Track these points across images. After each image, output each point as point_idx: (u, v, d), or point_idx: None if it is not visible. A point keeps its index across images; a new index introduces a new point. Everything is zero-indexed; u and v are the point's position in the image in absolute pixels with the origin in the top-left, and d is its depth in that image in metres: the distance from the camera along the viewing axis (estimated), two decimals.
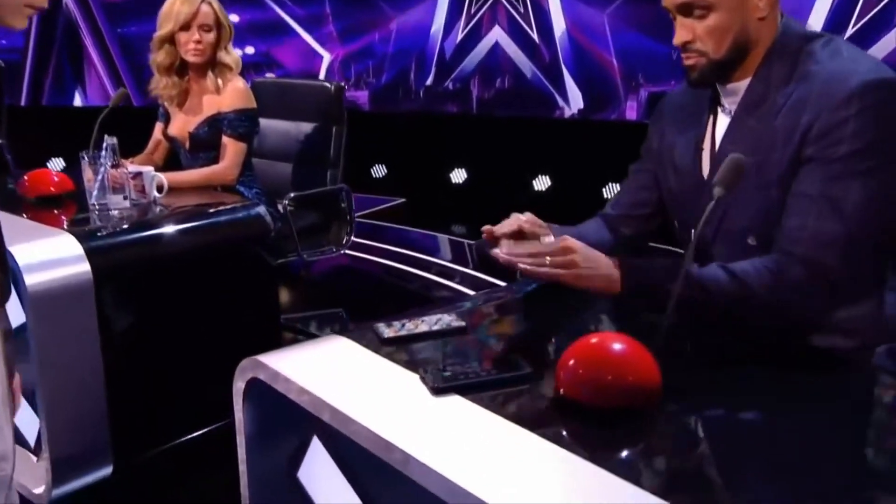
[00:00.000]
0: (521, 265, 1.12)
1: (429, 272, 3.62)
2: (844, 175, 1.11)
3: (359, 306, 3.12)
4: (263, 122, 2.60)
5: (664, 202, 1.41)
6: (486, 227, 1.28)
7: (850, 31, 3.83)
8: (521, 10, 4.86)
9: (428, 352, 1.09)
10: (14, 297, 1.71)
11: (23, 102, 5.94)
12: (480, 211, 4.98)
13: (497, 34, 4.97)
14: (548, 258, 1.13)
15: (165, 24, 2.39)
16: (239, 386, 1.08)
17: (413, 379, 0.99)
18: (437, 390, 0.95)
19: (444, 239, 4.30)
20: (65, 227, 1.91)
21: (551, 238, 1.25)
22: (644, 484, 0.77)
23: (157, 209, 2.09)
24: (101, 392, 1.76)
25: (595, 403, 0.90)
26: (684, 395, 0.95)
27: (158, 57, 2.44)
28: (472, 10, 5.01)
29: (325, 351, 1.11)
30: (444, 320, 1.16)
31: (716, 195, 1.02)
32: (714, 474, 0.84)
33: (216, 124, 2.43)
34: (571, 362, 0.93)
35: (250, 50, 5.37)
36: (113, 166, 2.00)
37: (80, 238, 1.76)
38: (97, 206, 2.03)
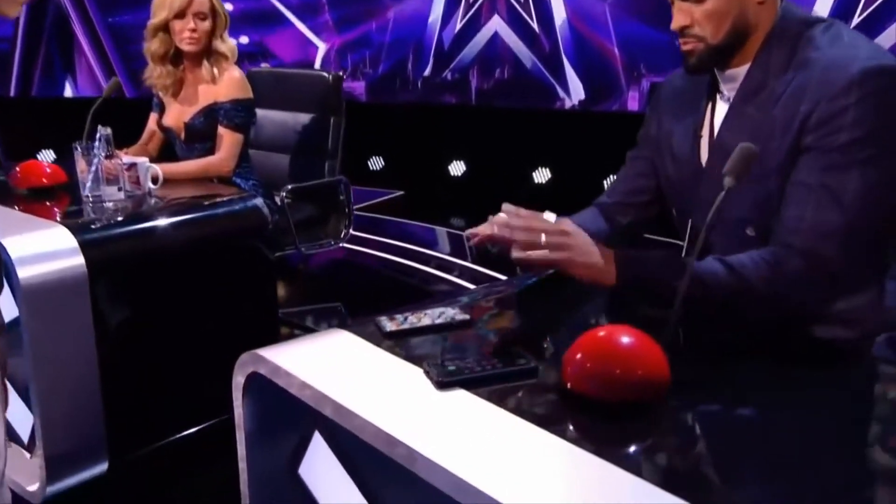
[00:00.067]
0: (517, 236, 1.13)
1: (427, 266, 3.62)
2: (844, 164, 1.11)
3: (357, 300, 3.12)
4: (260, 112, 2.59)
5: (662, 190, 1.40)
6: (470, 232, 1.25)
7: (855, 20, 3.82)
8: None
9: (431, 346, 1.08)
10: (7, 290, 1.70)
11: (12, 93, 5.91)
12: (479, 204, 4.94)
13: (496, 23, 4.95)
14: (543, 235, 1.12)
15: (159, 11, 2.38)
16: (238, 380, 1.07)
17: (416, 373, 0.99)
18: (442, 384, 0.95)
19: (442, 232, 4.30)
20: (58, 219, 1.89)
21: (553, 216, 1.25)
22: (653, 479, 0.77)
23: (153, 201, 2.08)
24: (95, 387, 1.75)
25: (603, 397, 0.90)
26: (693, 389, 0.95)
27: (152, 45, 2.43)
28: None
29: (326, 345, 1.10)
30: (448, 314, 1.15)
31: (726, 185, 1.01)
32: (724, 469, 0.83)
33: (212, 114, 2.42)
34: (579, 356, 0.93)
35: (244, 40, 5.34)
36: (107, 157, 1.99)
37: (74, 230, 1.75)
38: (91, 198, 2.02)
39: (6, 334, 1.70)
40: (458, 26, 5.06)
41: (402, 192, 5.02)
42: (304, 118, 2.75)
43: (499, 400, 0.92)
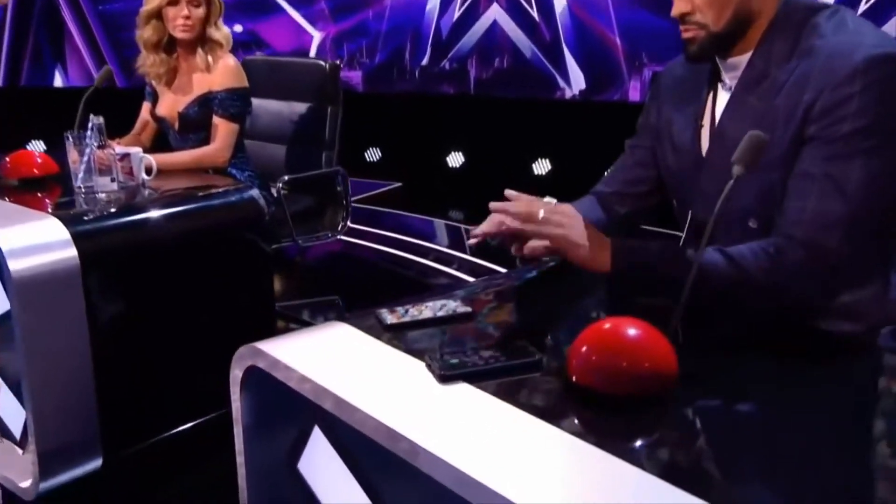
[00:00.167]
0: (517, 208, 1.16)
1: (426, 258, 3.62)
2: (847, 154, 1.11)
3: (355, 294, 3.12)
4: (255, 102, 2.58)
5: (663, 180, 1.40)
6: (473, 235, 1.26)
7: (862, 7, 3.81)
8: None
9: (433, 338, 1.08)
10: None
11: (0, 83, 5.88)
12: (478, 195, 4.92)
13: (495, 12, 4.94)
14: (542, 211, 1.15)
15: None
16: (236, 374, 1.07)
17: (418, 366, 0.99)
18: (444, 378, 0.95)
19: (440, 224, 4.30)
20: (49, 210, 1.89)
21: (553, 201, 1.25)
22: (660, 473, 0.77)
23: (146, 192, 2.07)
24: (89, 382, 1.75)
25: (609, 391, 0.90)
26: (699, 382, 0.95)
27: (145, 33, 2.42)
28: None
29: (326, 338, 1.10)
30: (449, 306, 1.15)
31: (735, 174, 1.00)
32: (731, 464, 0.83)
33: (207, 104, 2.41)
34: (584, 348, 0.92)
35: (238, 28, 5.31)
36: (99, 147, 1.98)
37: (66, 222, 1.74)
38: (83, 189, 2.01)
39: None
40: (457, 14, 5.04)
41: (399, 184, 5.01)
42: (300, 108, 2.74)
43: (502, 393, 0.92)
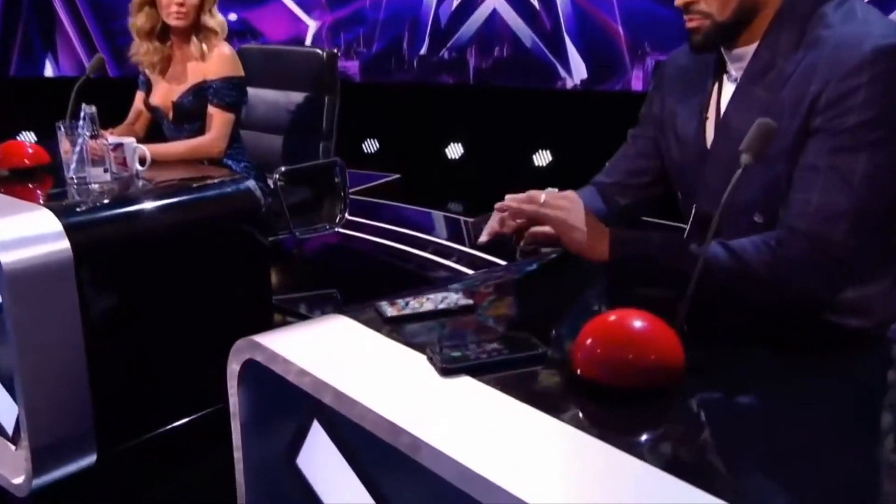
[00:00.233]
0: (516, 198, 1.18)
1: (425, 251, 3.62)
2: (853, 146, 1.10)
3: (353, 287, 3.11)
4: (251, 91, 2.57)
5: (667, 171, 1.39)
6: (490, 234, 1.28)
7: None
8: None
9: (434, 331, 1.08)
10: None
11: None
12: (477, 187, 4.93)
13: (495, 0, 4.92)
14: (543, 195, 1.17)
15: None
16: (234, 368, 1.07)
17: (420, 359, 0.98)
18: (446, 371, 0.94)
19: (439, 216, 4.29)
20: (41, 201, 1.88)
21: (555, 190, 1.25)
22: (666, 467, 0.77)
23: (140, 183, 2.06)
24: (83, 376, 1.74)
25: (614, 384, 0.89)
26: (707, 375, 0.95)
27: (138, 21, 2.40)
28: None
29: (325, 331, 1.09)
30: (451, 298, 1.15)
31: (743, 163, 1.00)
32: (738, 457, 0.83)
33: (201, 93, 2.40)
34: (589, 341, 0.92)
35: (232, 17, 5.29)
36: (92, 137, 1.97)
37: (59, 213, 1.73)
38: (75, 180, 2.00)
39: None
40: (456, 2, 5.02)
41: (397, 176, 5.01)
42: (297, 97, 2.72)
43: (505, 387, 0.91)
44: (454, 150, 5.31)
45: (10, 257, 1.62)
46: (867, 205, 1.11)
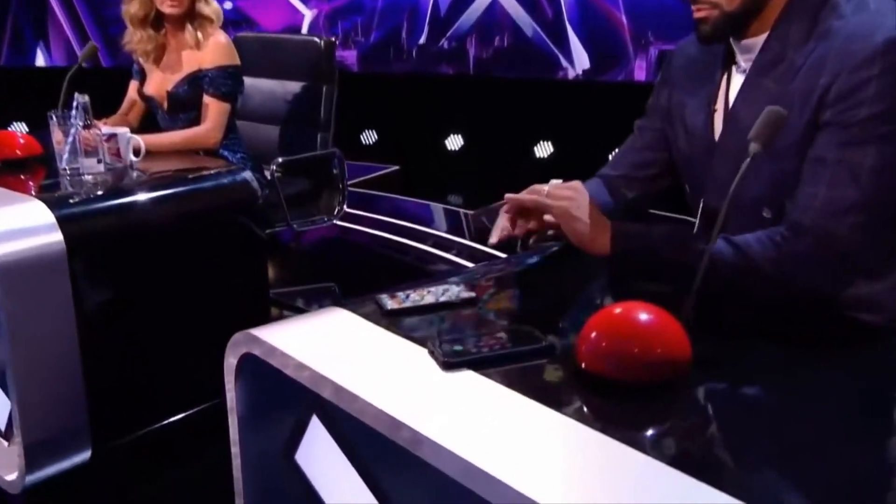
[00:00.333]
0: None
1: (424, 244, 3.61)
2: (863, 140, 1.09)
3: (351, 280, 3.11)
4: (247, 81, 2.56)
5: (674, 164, 1.39)
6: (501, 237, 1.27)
7: None
8: None
9: (435, 324, 1.07)
10: None
11: None
12: (478, 179, 4.92)
13: None
14: (546, 187, 1.17)
15: None
16: (231, 362, 1.06)
17: (421, 353, 0.98)
18: (448, 365, 0.94)
19: (439, 209, 4.29)
20: (33, 193, 1.88)
21: (559, 182, 1.25)
22: (672, 462, 0.76)
23: (134, 174, 2.06)
24: (77, 371, 1.74)
25: (620, 378, 0.89)
26: (714, 369, 0.94)
27: (132, 8, 2.39)
28: None
29: (324, 324, 1.09)
30: (452, 291, 1.14)
31: (751, 151, 0.99)
32: (748, 452, 0.83)
33: (197, 82, 2.39)
34: (594, 334, 0.91)
35: (227, 5, 5.26)
36: (85, 127, 1.96)
37: (51, 205, 1.73)
38: (68, 171, 1.99)
39: None
40: None
41: (396, 168, 5.00)
42: (294, 87, 2.72)
43: (508, 381, 0.91)
44: (454, 142, 5.30)
45: (1, 250, 1.62)
46: (875, 199, 1.10)
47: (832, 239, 1.11)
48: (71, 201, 1.83)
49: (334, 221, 2.71)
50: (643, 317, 0.90)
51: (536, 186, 1.22)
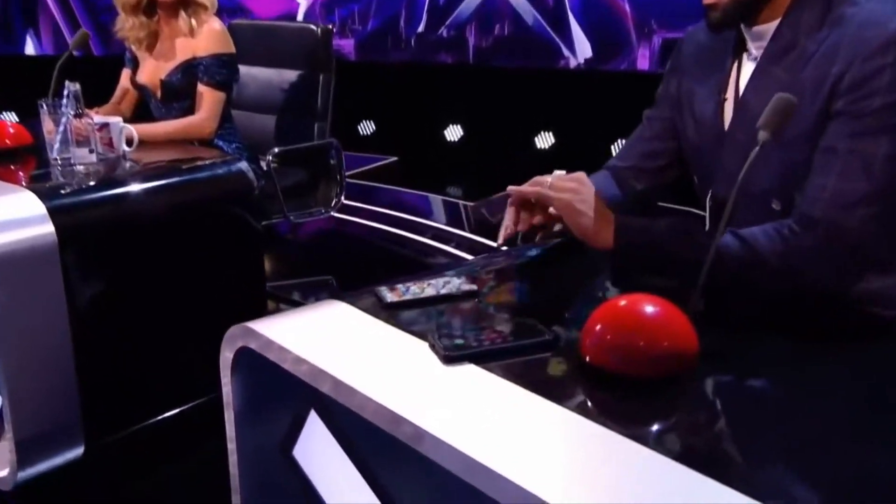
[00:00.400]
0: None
1: (423, 236, 3.61)
2: (876, 130, 1.09)
3: (349, 273, 3.12)
4: (242, 69, 2.55)
5: (683, 154, 1.38)
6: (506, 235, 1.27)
7: None
8: None
9: (436, 317, 1.07)
10: None
11: None
12: (477, 170, 4.91)
13: None
14: (549, 178, 1.16)
15: None
16: (227, 356, 1.06)
17: (421, 346, 0.97)
18: (449, 359, 0.93)
19: (438, 200, 4.29)
20: (24, 183, 1.87)
21: (562, 173, 1.25)
22: (679, 457, 0.76)
23: (127, 164, 2.05)
24: (69, 365, 1.74)
25: (625, 372, 0.89)
26: (722, 363, 0.94)
27: None
28: None
29: (322, 317, 1.08)
30: (453, 283, 1.14)
31: (760, 140, 0.99)
32: (756, 447, 0.83)
33: (191, 71, 2.38)
34: (598, 327, 0.91)
35: None
36: (76, 116, 1.95)
37: (42, 195, 1.72)
38: (59, 161, 1.99)
39: None
40: None
41: (395, 159, 4.99)
42: (290, 75, 2.71)
43: (511, 375, 0.91)
44: (453, 132, 5.29)
45: None
46: (887, 191, 1.10)
47: (842, 231, 1.10)
48: (62, 192, 1.83)
49: (332, 213, 2.71)
50: (649, 309, 0.90)
51: (539, 178, 1.20)
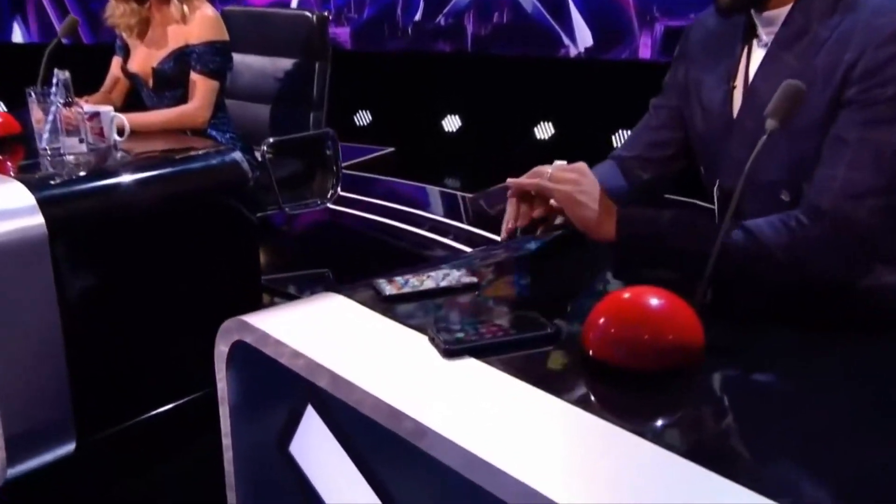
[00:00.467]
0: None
1: (421, 228, 3.61)
2: (888, 119, 1.08)
3: (346, 266, 3.12)
4: (236, 57, 2.54)
5: (690, 143, 1.37)
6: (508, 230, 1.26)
7: None
8: None
9: (436, 311, 1.07)
10: None
11: None
12: (476, 161, 4.90)
13: None
14: (550, 168, 1.15)
15: None
16: (222, 350, 1.06)
17: (421, 340, 0.97)
18: (449, 353, 0.93)
19: (435, 192, 4.29)
20: (12, 174, 1.86)
21: (563, 163, 1.24)
22: (684, 452, 0.76)
23: (118, 155, 2.05)
24: (60, 360, 1.73)
25: (629, 365, 0.88)
26: (728, 356, 0.94)
27: None
28: None
29: (319, 310, 1.08)
30: (453, 276, 1.14)
31: (768, 128, 0.98)
32: (762, 441, 0.83)
33: (183, 58, 2.37)
34: (602, 320, 0.91)
35: None
36: (66, 105, 1.94)
37: (31, 186, 1.72)
38: (49, 151, 1.98)
39: None
40: None
41: (391, 149, 4.99)
42: (285, 64, 2.70)
43: (512, 369, 0.91)
44: (451, 123, 5.28)
45: None
46: None
47: (850, 223, 1.10)
48: (52, 182, 1.82)
49: (327, 205, 2.70)
50: (654, 302, 0.90)
51: (539, 169, 1.20)
